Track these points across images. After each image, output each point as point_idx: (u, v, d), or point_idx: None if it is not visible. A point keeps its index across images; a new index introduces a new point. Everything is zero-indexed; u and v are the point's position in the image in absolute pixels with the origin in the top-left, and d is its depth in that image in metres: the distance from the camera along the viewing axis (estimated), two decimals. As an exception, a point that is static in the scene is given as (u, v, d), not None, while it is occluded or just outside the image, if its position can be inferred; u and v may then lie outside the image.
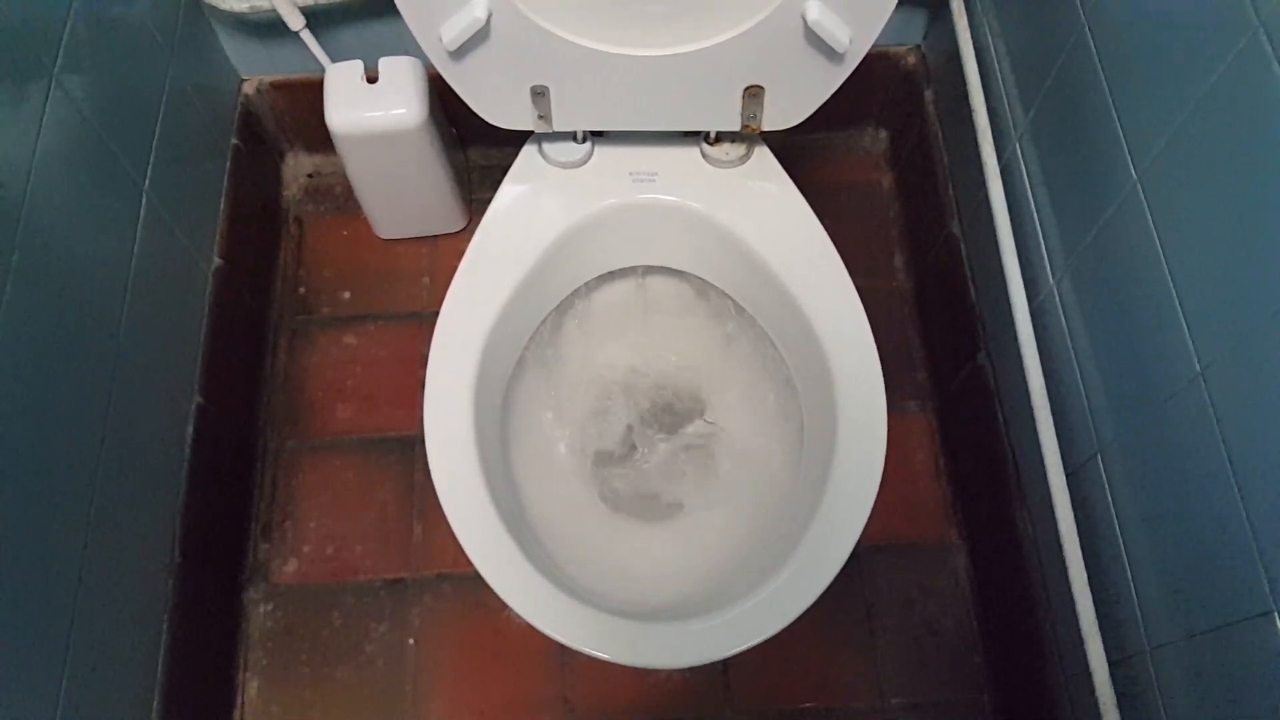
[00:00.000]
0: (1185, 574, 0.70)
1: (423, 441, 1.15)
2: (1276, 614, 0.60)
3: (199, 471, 1.01)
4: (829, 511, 0.74)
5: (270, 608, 1.10)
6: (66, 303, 0.80)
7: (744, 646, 0.70)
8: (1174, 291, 0.69)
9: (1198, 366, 0.67)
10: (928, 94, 1.18)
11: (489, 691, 1.06)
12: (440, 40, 0.74)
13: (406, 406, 1.20)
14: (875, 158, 1.33)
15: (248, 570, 1.11)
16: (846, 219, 1.25)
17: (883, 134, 1.33)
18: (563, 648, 1.04)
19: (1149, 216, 0.72)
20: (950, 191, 1.12)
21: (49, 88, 0.80)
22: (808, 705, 1.06)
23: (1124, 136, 0.75)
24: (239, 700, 1.06)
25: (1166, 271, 0.69)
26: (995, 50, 0.99)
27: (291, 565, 1.12)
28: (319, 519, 1.14)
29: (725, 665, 1.07)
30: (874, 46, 1.19)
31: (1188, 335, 0.67)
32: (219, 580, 1.06)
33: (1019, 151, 0.94)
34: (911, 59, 1.21)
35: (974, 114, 1.00)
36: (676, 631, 0.71)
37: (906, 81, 1.22)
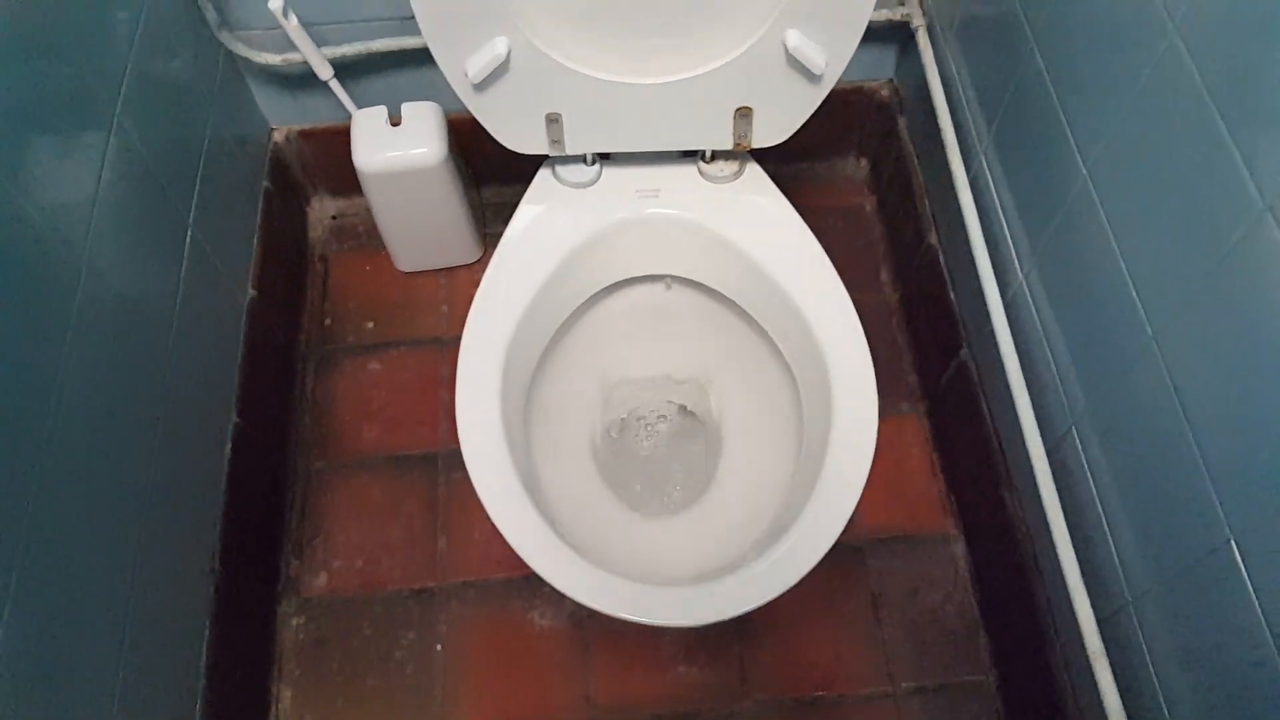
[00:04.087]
0: (1155, 521, 0.77)
1: (444, 457, 1.24)
2: (1233, 540, 0.67)
3: (236, 487, 1.08)
4: (828, 483, 0.81)
5: (302, 620, 1.16)
6: (124, 326, 0.88)
7: (754, 605, 0.76)
8: (1124, 267, 0.77)
9: (1149, 331, 0.75)
10: (901, 122, 1.28)
11: (515, 692, 1.12)
12: (466, 75, 0.83)
13: (428, 426, 1.27)
14: (858, 183, 1.43)
15: (281, 585, 1.17)
16: (835, 240, 1.34)
17: (864, 162, 1.43)
18: (584, 648, 1.11)
19: (1099, 205, 0.81)
20: (927, 207, 1.22)
21: (110, 130, 0.89)
22: (820, 693, 1.11)
23: (1073, 137, 0.84)
24: (274, 709, 1.11)
25: (1117, 250, 0.78)
26: (959, 76, 1.09)
27: (322, 579, 1.18)
28: (347, 534, 1.20)
29: (741, 658, 1.13)
30: (851, 82, 1.32)
31: (1139, 305, 0.76)
32: (254, 593, 1.12)
33: (984, 163, 1.04)
34: (885, 92, 1.31)
35: (943, 134, 1.09)
36: (692, 593, 0.77)
37: (882, 112, 1.33)
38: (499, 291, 0.90)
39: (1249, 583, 0.65)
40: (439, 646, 1.14)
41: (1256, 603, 0.65)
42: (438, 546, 1.20)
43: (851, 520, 1.18)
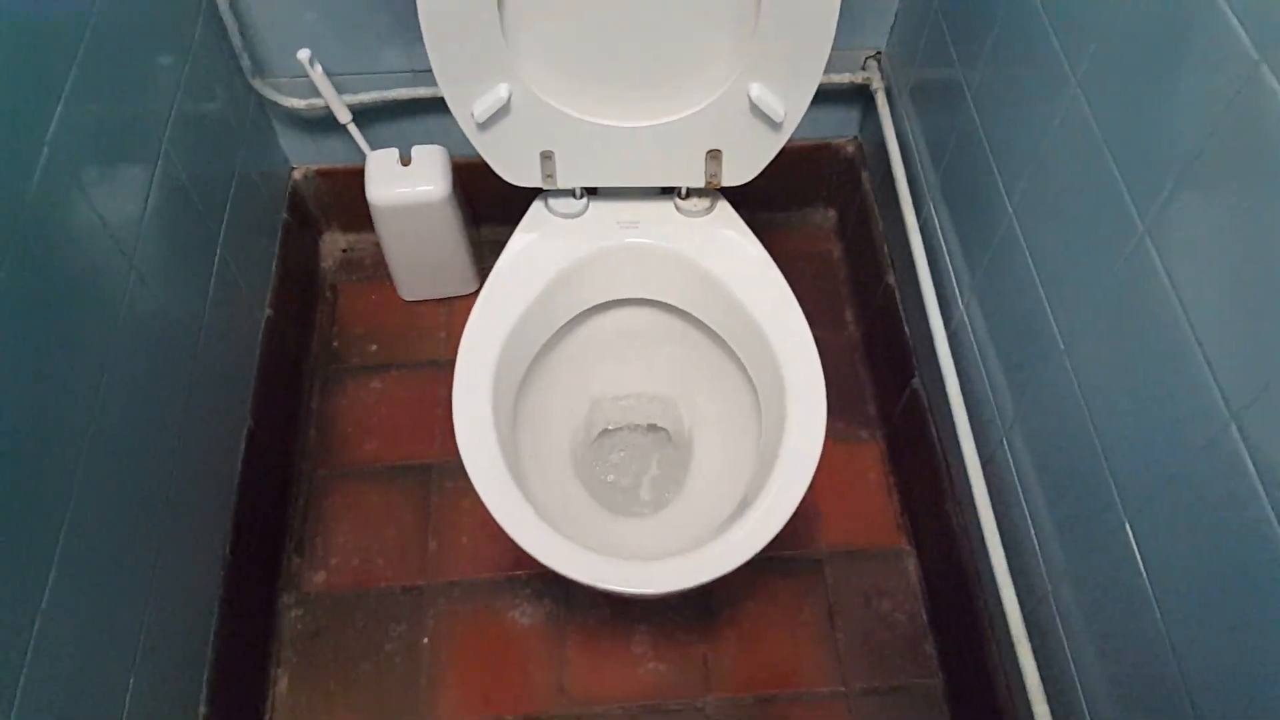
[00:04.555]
0: (1068, 510, 0.87)
1: (437, 468, 1.34)
2: (1122, 509, 0.77)
3: (247, 484, 1.18)
4: (782, 474, 0.91)
5: (300, 612, 1.24)
6: (160, 330, 1.00)
7: (715, 575, 0.86)
8: (1042, 292, 0.89)
9: (1061, 345, 0.86)
10: (865, 175, 1.42)
11: (494, 682, 1.20)
12: (472, 115, 0.96)
13: (424, 440, 1.37)
14: (826, 231, 1.56)
15: (282, 579, 1.26)
16: (804, 283, 1.46)
17: (831, 211, 1.56)
18: (560, 644, 1.20)
19: (1021, 238, 0.93)
20: (886, 251, 1.35)
21: (158, 160, 1.01)
22: (777, 692, 1.20)
23: (1001, 181, 0.97)
24: (271, 692, 1.19)
25: (1036, 277, 0.90)
26: (913, 132, 1.23)
27: (320, 576, 1.27)
28: (345, 535, 1.30)
29: (705, 657, 1.21)
30: (820, 139, 1.46)
31: (1052, 321, 0.87)
32: (259, 584, 1.21)
33: (932, 209, 1.16)
34: (851, 148, 1.45)
35: (896, 183, 1.23)
36: (659, 566, 0.87)
37: (848, 167, 1.46)
38: (494, 303, 1.01)
39: (1139, 559, 0.76)
40: (426, 639, 1.22)
41: (1145, 576, 0.75)
42: (428, 549, 1.29)
43: (812, 535, 1.30)
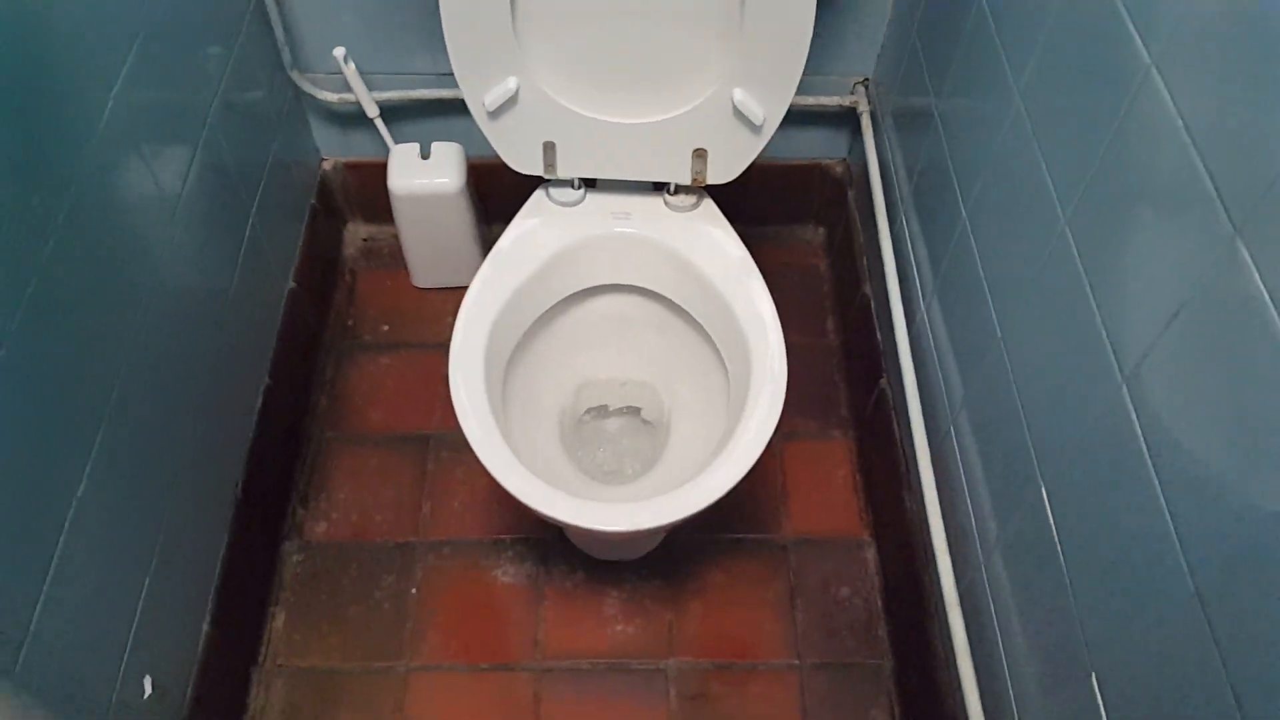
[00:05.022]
0: (998, 483, 0.96)
1: (435, 438, 1.44)
2: (1041, 482, 0.86)
3: (262, 433, 1.28)
4: (743, 435, 1.01)
5: (301, 558, 1.34)
6: (195, 290, 1.11)
7: (682, 515, 0.95)
8: (986, 285, 0.99)
9: (999, 334, 0.96)
10: (850, 194, 1.53)
11: (473, 632, 1.28)
12: (484, 105, 1.08)
13: (425, 413, 1.47)
14: (815, 247, 1.67)
15: (286, 527, 1.36)
16: (792, 293, 1.58)
17: (820, 229, 1.67)
18: (537, 603, 1.29)
19: (972, 239, 1.03)
20: (864, 263, 1.45)
21: (200, 140, 1.13)
22: (735, 660, 1.27)
23: (959, 190, 1.07)
24: (269, 626, 1.28)
25: (980, 271, 1.00)
26: (893, 152, 1.33)
27: (322, 527, 1.37)
28: (347, 493, 1.39)
29: (670, 624, 1.30)
30: (811, 160, 1.57)
31: (993, 312, 0.97)
32: (265, 527, 1.31)
33: (904, 221, 1.27)
34: (839, 169, 1.56)
35: (874, 198, 1.33)
36: (634, 505, 0.96)
37: (835, 186, 1.57)
38: (495, 276, 1.12)
39: (1052, 524, 0.84)
40: (414, 590, 1.31)
41: (1056, 536, 0.83)
42: (422, 510, 1.38)
43: (780, 523, 1.39)
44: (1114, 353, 0.72)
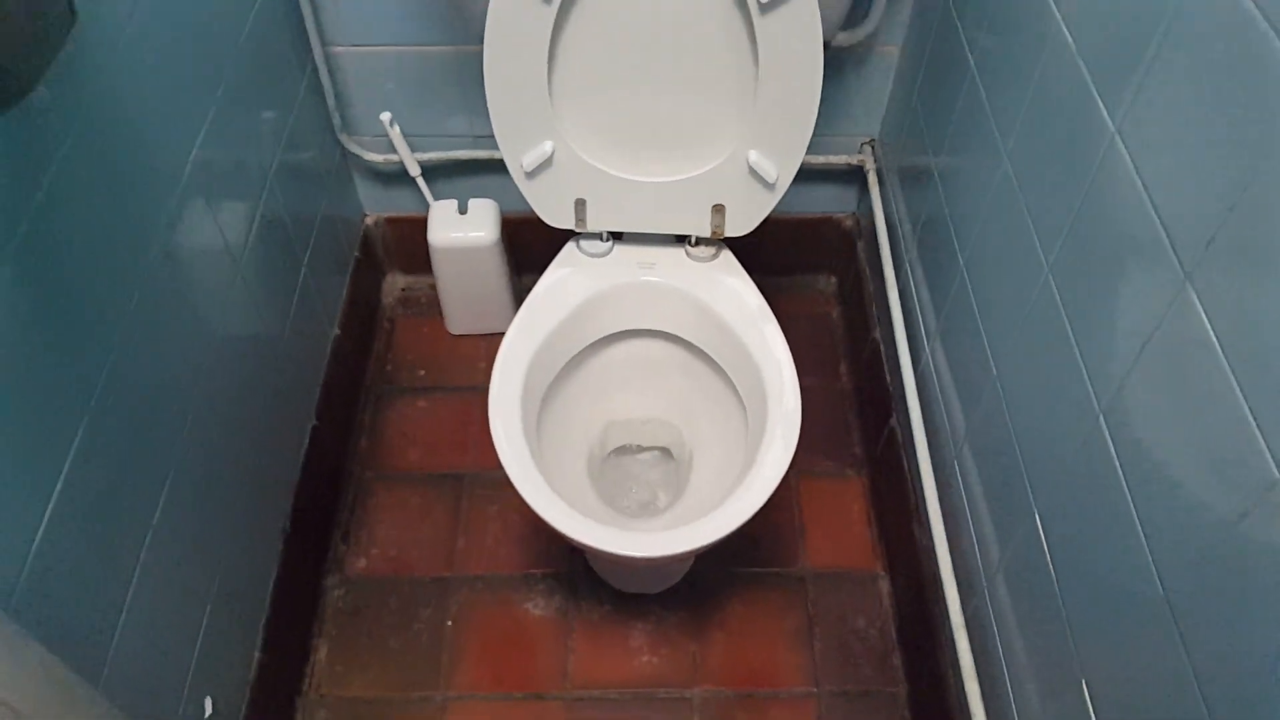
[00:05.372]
0: (999, 509, 1.03)
1: (469, 477, 1.52)
2: (1035, 508, 0.93)
3: (308, 472, 1.37)
4: (759, 470, 1.08)
5: (342, 592, 1.42)
6: (255, 332, 1.21)
7: (704, 543, 1.03)
8: (981, 326, 1.07)
9: (995, 372, 1.04)
10: (860, 245, 1.62)
11: (506, 664, 1.35)
12: (522, 166, 1.18)
13: (459, 453, 1.56)
14: (828, 296, 1.76)
15: (328, 562, 1.44)
16: (806, 339, 1.66)
17: (832, 279, 1.76)
18: (567, 635, 1.36)
19: (969, 286, 1.11)
20: (873, 310, 1.53)
21: (262, 196, 1.24)
22: (757, 689, 1.33)
23: (956, 242, 1.16)
24: (312, 659, 1.35)
25: (977, 315, 1.08)
26: (898, 207, 1.43)
27: (362, 562, 1.44)
28: (386, 530, 1.47)
29: (694, 654, 1.36)
30: (823, 214, 1.66)
31: (989, 353, 1.05)
32: (310, 561, 1.39)
33: (909, 271, 1.35)
34: (849, 222, 1.66)
35: (880, 250, 1.42)
36: (659, 534, 1.04)
37: (845, 239, 1.67)
38: (529, 321, 1.21)
39: (1045, 546, 0.91)
40: (449, 623, 1.39)
41: (1053, 572, 0.90)
42: (457, 546, 1.46)
43: (798, 557, 1.46)
44: (1092, 387, 0.80)
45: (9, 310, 0.71)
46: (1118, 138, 0.76)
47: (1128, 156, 0.74)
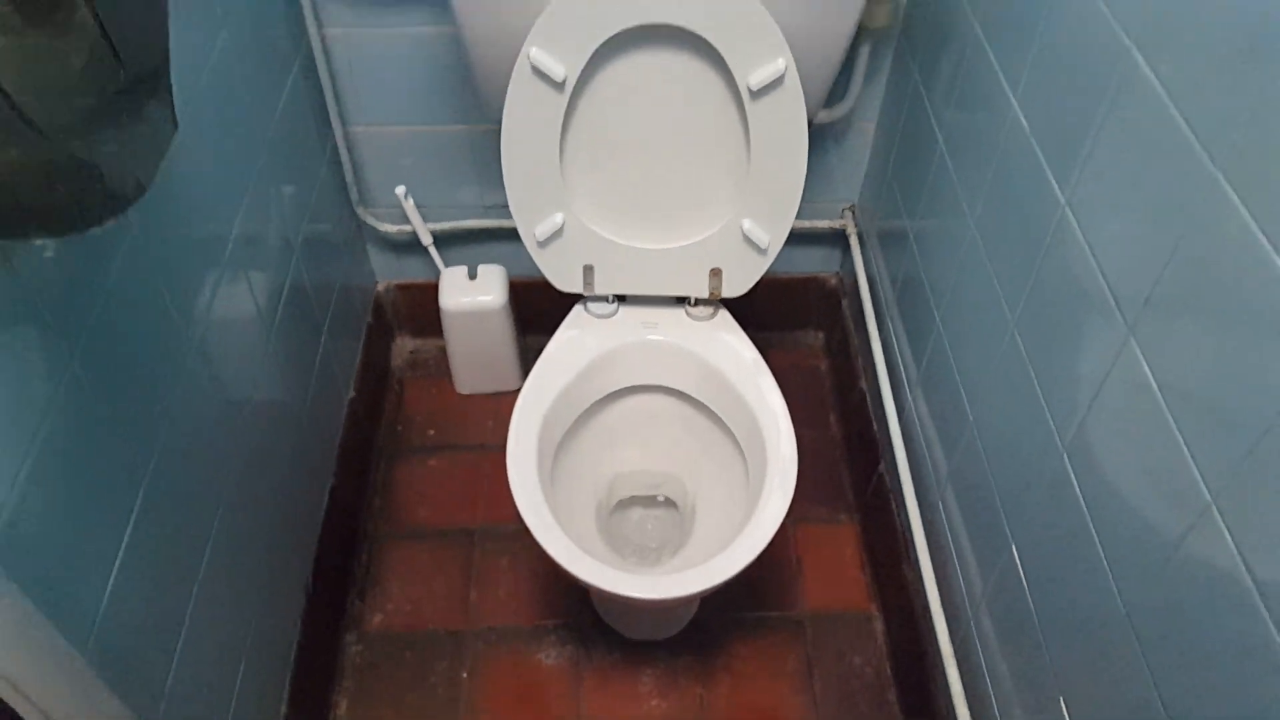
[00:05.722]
0: (980, 542, 1.11)
1: (479, 532, 1.59)
2: (1012, 541, 1.01)
3: (326, 532, 1.44)
4: (759, 518, 1.16)
5: (360, 648, 1.47)
6: (281, 394, 1.29)
7: (709, 585, 1.10)
8: (958, 378, 1.17)
9: (970, 417, 1.13)
10: (844, 302, 1.72)
11: (521, 713, 1.41)
12: (535, 236, 1.28)
13: (470, 509, 1.63)
14: (815, 350, 1.86)
15: (346, 619, 1.50)
16: (796, 392, 1.73)
17: (819, 333, 1.86)
18: (578, 683, 1.42)
19: (945, 339, 1.21)
20: (859, 362, 1.63)
21: (290, 268, 1.34)
22: (762, 727, 1.40)
23: (932, 296, 1.26)
24: (332, 714, 1.41)
25: (954, 367, 1.18)
26: (879, 267, 1.54)
27: (378, 618, 1.51)
28: (401, 586, 1.54)
29: (700, 697, 1.42)
30: (809, 274, 1.77)
31: (965, 400, 1.14)
32: (330, 617, 1.45)
33: (890, 326, 1.46)
34: (833, 281, 1.77)
35: (864, 308, 1.53)
36: (666, 577, 1.12)
37: (831, 296, 1.77)
38: (543, 379, 1.30)
39: (1022, 575, 1.00)
40: (465, 675, 1.44)
41: (1030, 599, 0.98)
42: (469, 599, 1.53)
43: (796, 600, 1.53)
44: (1055, 428, 0.89)
45: (78, 392, 0.78)
46: (1068, 209, 0.86)
47: (1077, 226, 0.84)
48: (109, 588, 0.82)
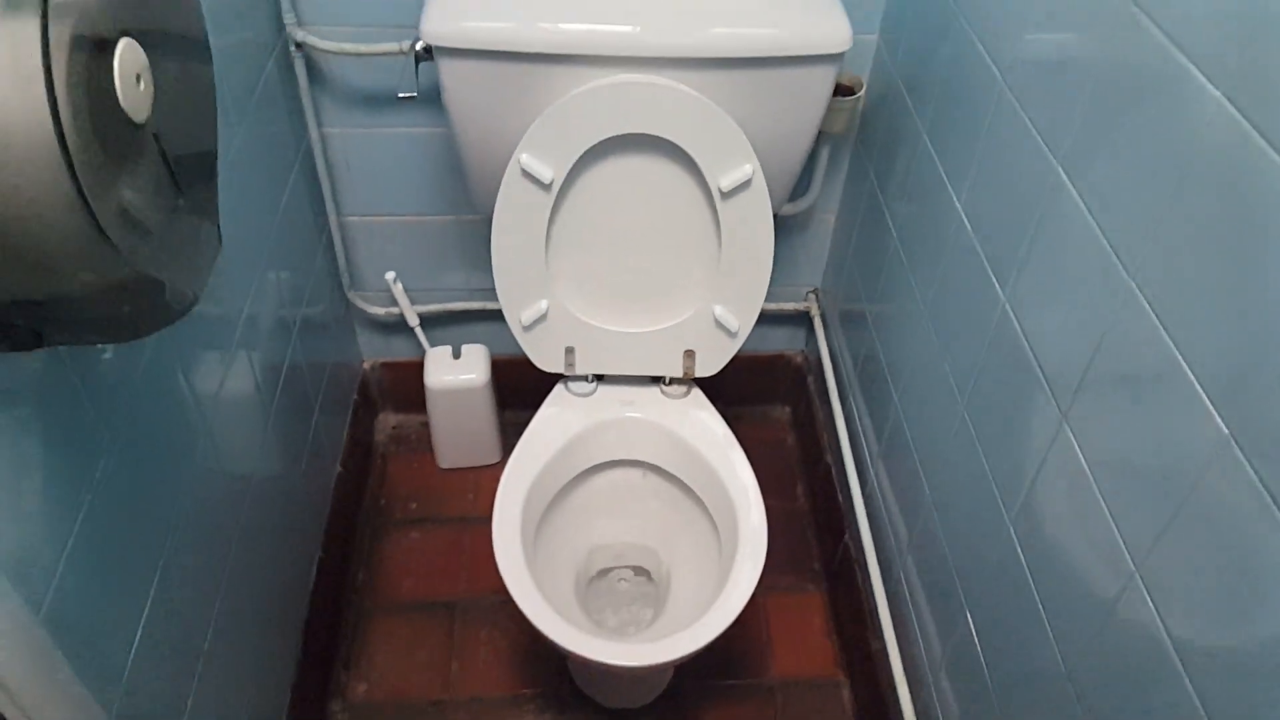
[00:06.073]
0: (936, 602, 1.19)
1: (461, 604, 1.64)
2: (966, 608, 1.10)
3: (315, 604, 1.48)
4: (730, 588, 1.24)
5: (346, 717, 1.51)
6: (278, 471, 1.35)
7: (684, 653, 1.17)
8: (915, 453, 1.26)
9: (927, 490, 1.22)
10: (810, 380, 1.83)
11: (503, 777, 1.45)
12: (520, 321, 1.37)
13: (451, 581, 1.68)
14: (782, 424, 1.95)
15: (332, 688, 1.53)
16: (764, 464, 1.82)
17: (786, 408, 1.96)
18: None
19: (903, 417, 1.31)
20: (824, 436, 1.73)
21: (289, 352, 1.41)
22: (736, 791, 1.44)
23: (889, 375, 1.36)
24: (318, 781, 1.43)
25: (911, 442, 1.27)
26: (840, 347, 1.64)
27: (363, 688, 1.54)
28: (385, 655, 1.58)
29: (676, 761, 1.47)
30: (776, 352, 1.87)
31: (922, 473, 1.24)
32: (318, 686, 1.48)
33: (853, 402, 1.56)
34: (799, 359, 1.87)
35: (828, 385, 1.63)
36: (644, 644, 1.18)
37: (797, 373, 1.88)
38: (526, 454, 1.38)
39: (976, 639, 1.08)
40: (447, 741, 1.48)
41: (983, 660, 1.06)
42: (451, 669, 1.57)
43: (767, 668, 1.59)
44: (1002, 502, 0.98)
45: (111, 475, 0.85)
46: (1007, 306, 0.97)
47: (1016, 321, 0.95)
48: (130, 658, 0.87)
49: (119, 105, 0.61)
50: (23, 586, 0.69)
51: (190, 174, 0.69)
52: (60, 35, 0.55)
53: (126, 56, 0.62)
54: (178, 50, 0.68)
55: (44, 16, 0.55)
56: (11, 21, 0.54)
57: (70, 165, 0.56)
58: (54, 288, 0.62)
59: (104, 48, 0.59)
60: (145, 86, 0.63)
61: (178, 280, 0.66)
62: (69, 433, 0.78)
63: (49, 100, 0.55)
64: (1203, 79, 0.66)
